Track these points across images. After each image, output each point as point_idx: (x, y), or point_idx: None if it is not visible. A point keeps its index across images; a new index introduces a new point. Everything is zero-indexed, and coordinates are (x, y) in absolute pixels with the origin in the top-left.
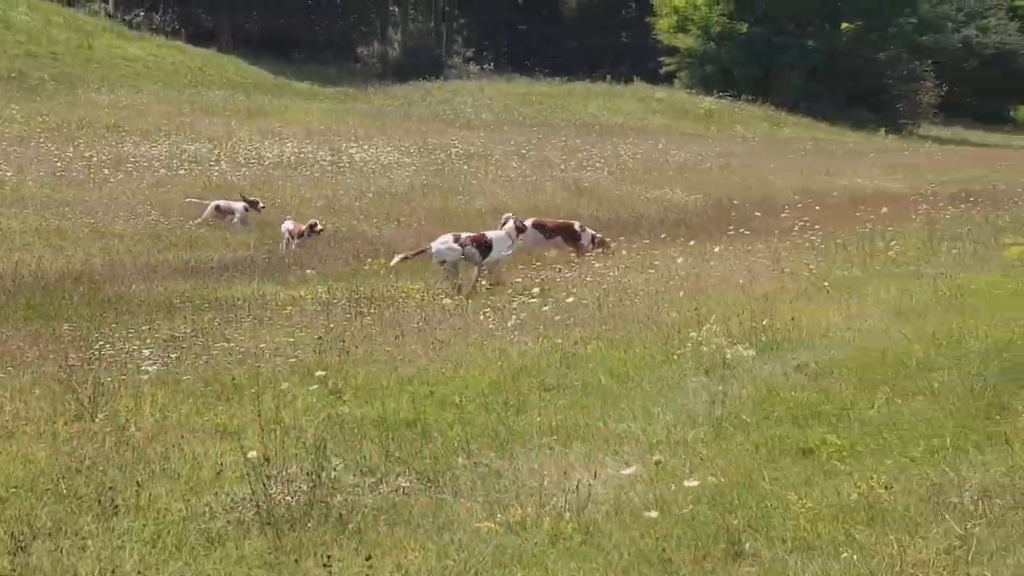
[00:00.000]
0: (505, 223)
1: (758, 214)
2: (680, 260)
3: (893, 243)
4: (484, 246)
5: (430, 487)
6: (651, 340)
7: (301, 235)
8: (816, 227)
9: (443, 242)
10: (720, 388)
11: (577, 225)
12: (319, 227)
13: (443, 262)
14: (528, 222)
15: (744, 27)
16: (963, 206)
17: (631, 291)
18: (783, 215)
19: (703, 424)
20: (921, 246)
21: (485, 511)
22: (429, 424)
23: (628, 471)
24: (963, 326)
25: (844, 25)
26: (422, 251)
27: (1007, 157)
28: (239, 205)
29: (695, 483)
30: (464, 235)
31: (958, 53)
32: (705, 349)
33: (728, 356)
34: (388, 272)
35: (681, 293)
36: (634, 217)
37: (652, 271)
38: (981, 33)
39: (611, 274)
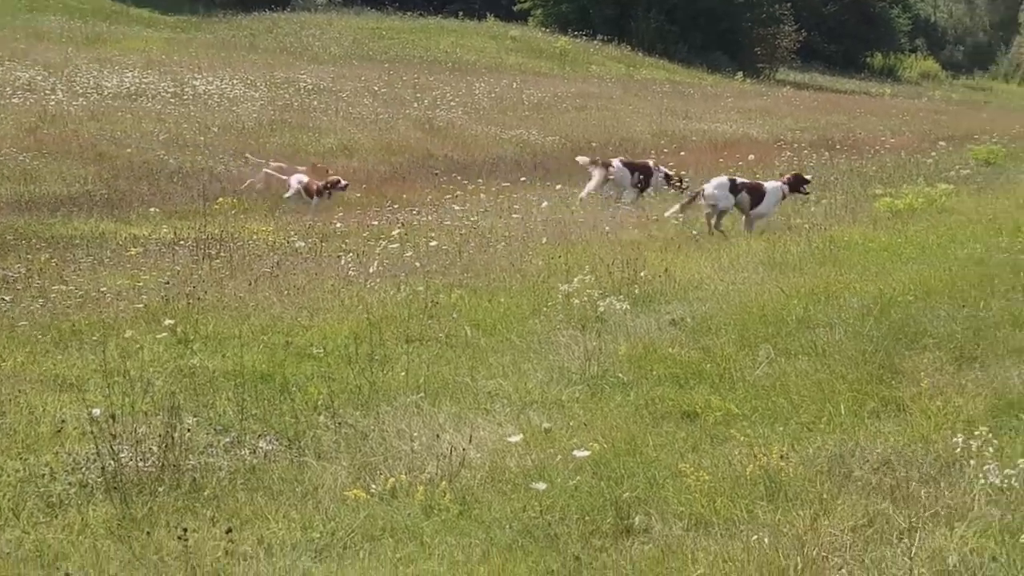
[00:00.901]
0: (593, 164)
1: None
2: (545, 204)
3: None
4: (758, 195)
5: (291, 449)
6: (516, 290)
7: (321, 192)
8: (682, 173)
9: (717, 185)
10: (594, 344)
11: (652, 163)
12: (343, 183)
13: (713, 205)
14: (616, 161)
15: None
16: (827, 154)
17: (492, 237)
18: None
19: (578, 383)
20: None
21: (352, 477)
22: (287, 378)
23: (515, 439)
24: (839, 280)
25: None
26: (696, 195)
27: (865, 104)
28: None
29: (585, 453)
30: (740, 180)
31: None
32: (576, 301)
33: (601, 309)
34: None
35: (544, 240)
36: (491, 159)
37: (514, 216)
38: None
39: (471, 218)
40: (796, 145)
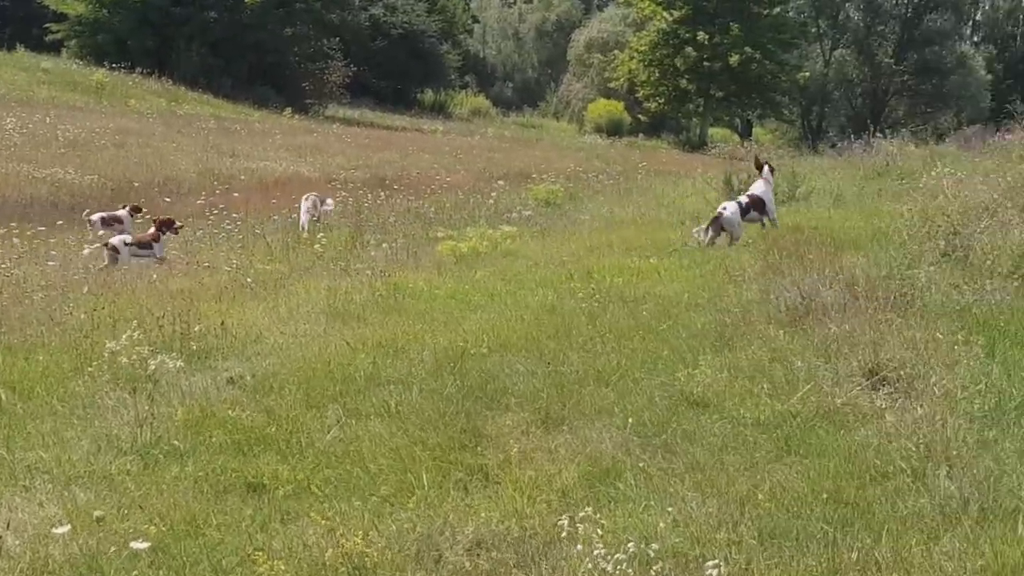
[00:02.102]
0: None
1: (168, 200)
2: (86, 251)
3: (320, 235)
4: (760, 202)
5: None
6: (56, 347)
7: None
8: (233, 215)
9: (733, 211)
10: (146, 408)
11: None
12: (177, 224)
13: (730, 232)
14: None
15: None
16: (382, 193)
17: (28, 286)
18: (199, 201)
19: (129, 453)
20: (348, 238)
21: None
22: None
23: (61, 530)
24: (408, 332)
25: None
26: (716, 219)
27: (417, 141)
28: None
29: (143, 545)
30: (744, 199)
31: (365, 32)
32: (124, 360)
33: (151, 368)
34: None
35: (86, 289)
36: (23, 200)
37: (51, 263)
38: (389, 12)
39: (2, 266)
40: (351, 184)
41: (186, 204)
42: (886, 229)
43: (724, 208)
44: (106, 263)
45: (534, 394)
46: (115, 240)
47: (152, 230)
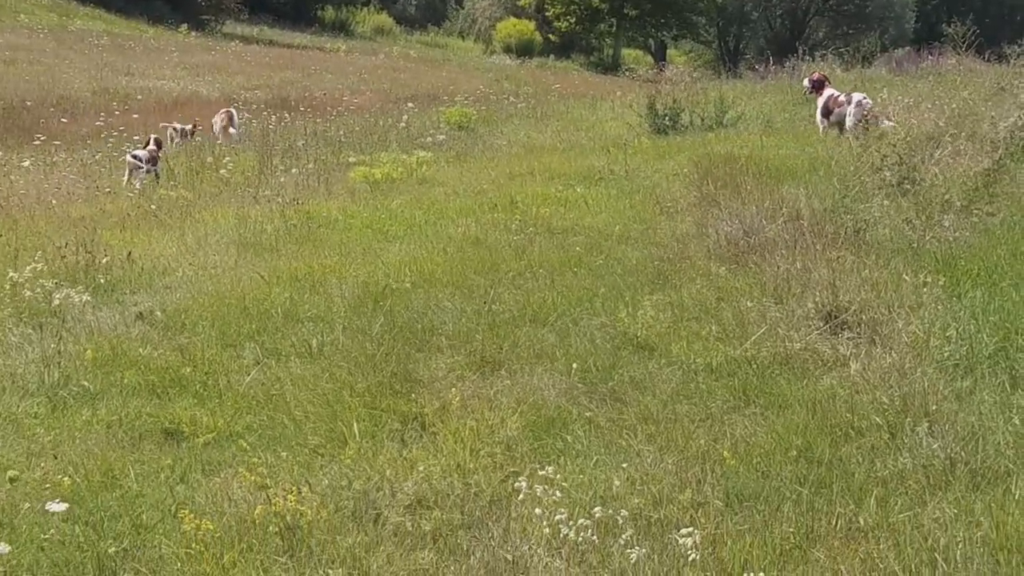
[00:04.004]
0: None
1: (64, 120)
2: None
3: (226, 159)
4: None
5: None
6: None
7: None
8: (134, 137)
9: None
10: (52, 345)
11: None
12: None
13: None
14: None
15: None
16: (287, 115)
17: None
18: (98, 122)
19: (36, 394)
20: (255, 163)
21: None
22: None
23: None
24: (324, 264)
25: None
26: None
27: (319, 60)
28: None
29: (60, 507)
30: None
31: None
32: (28, 293)
33: (56, 302)
34: None
35: None
36: None
37: None
38: None
39: None
40: (254, 105)
41: (83, 125)
42: (825, 158)
43: (865, 97)
44: (127, 177)
45: (467, 334)
46: (141, 153)
47: (152, 146)
